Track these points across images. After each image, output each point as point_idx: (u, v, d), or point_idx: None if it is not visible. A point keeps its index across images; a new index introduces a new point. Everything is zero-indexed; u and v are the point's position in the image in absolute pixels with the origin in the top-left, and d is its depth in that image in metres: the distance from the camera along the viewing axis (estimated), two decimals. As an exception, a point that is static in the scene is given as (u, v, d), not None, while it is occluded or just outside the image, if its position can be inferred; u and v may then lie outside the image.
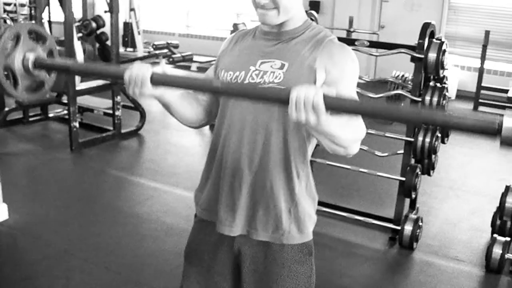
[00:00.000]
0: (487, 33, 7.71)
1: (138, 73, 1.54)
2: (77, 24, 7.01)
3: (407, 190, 3.79)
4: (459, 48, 8.85)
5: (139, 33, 9.61)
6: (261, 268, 1.74)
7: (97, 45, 8.96)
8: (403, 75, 6.37)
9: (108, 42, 8.26)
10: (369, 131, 3.83)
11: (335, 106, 1.34)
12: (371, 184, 4.81)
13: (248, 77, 1.66)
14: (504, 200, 3.47)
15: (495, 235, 3.64)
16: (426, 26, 3.66)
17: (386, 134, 3.96)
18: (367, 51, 4.03)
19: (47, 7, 6.13)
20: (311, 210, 1.78)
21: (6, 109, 6.00)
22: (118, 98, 5.84)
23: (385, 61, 8.54)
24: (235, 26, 6.80)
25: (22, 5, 7.62)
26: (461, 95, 8.47)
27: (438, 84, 3.74)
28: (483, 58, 7.76)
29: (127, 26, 10.47)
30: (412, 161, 3.90)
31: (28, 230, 3.89)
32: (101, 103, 6.35)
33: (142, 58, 8.86)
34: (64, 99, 6.05)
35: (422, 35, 3.63)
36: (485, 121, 1.23)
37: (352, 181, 4.88)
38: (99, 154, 5.53)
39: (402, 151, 3.87)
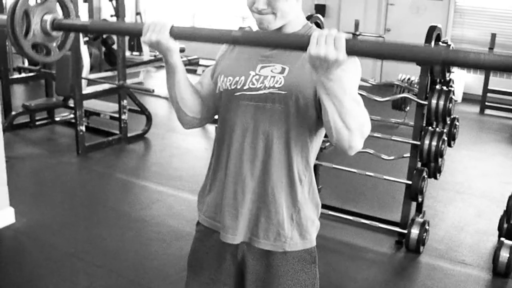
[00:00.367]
0: (493, 35, 7.69)
1: (159, 21, 1.55)
2: (83, 28, 7.02)
3: (413, 193, 3.78)
4: (465, 51, 8.82)
5: (145, 37, 9.61)
6: (264, 277, 1.73)
7: (103, 49, 9.01)
8: (409, 78, 6.35)
9: (114, 46, 8.31)
10: (376, 134, 3.84)
11: (356, 47, 1.32)
12: (377, 188, 4.80)
13: (248, 82, 1.63)
14: (511, 204, 3.46)
15: (502, 239, 3.63)
16: (432, 29, 3.65)
17: (393, 138, 3.95)
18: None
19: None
20: (314, 216, 1.75)
21: (13, 113, 6.03)
22: (125, 102, 5.85)
23: (391, 65, 8.53)
24: (241, 29, 6.81)
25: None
26: (468, 98, 8.44)
27: (445, 87, 3.73)
28: (489, 61, 7.73)
29: (128, 36, 10.49)
30: (419, 164, 3.89)
31: (34, 233, 3.90)
32: (108, 107, 6.37)
33: (148, 62, 8.88)
34: (71, 103, 6.07)
35: (428, 38, 3.63)
36: (508, 58, 1.20)
37: (359, 185, 4.87)
38: (105, 157, 5.54)
39: (408, 155, 3.86)
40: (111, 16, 6.10)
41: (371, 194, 4.78)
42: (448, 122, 3.82)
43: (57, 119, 6.53)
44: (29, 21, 1.67)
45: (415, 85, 5.72)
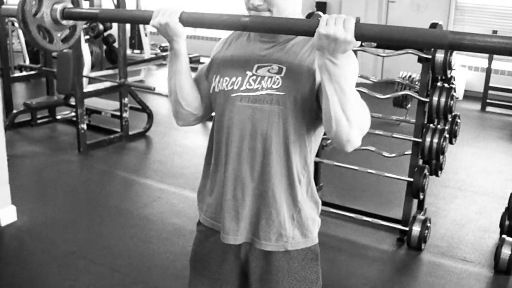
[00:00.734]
0: (494, 33, 7.68)
1: (169, 7, 1.57)
2: (84, 26, 7.03)
3: (415, 191, 3.78)
4: (467, 48, 8.81)
5: (146, 35, 9.62)
6: (267, 276, 1.72)
7: (104, 47, 9.01)
8: (410, 76, 6.34)
9: (115, 44, 8.30)
10: (377, 132, 3.84)
11: (365, 30, 1.33)
12: (378, 185, 4.80)
13: (245, 83, 1.62)
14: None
15: (503, 236, 3.63)
16: (433, 26, 3.65)
17: (394, 135, 3.95)
18: (374, 52, 4.02)
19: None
20: (315, 214, 1.75)
21: (14, 111, 6.03)
22: (126, 100, 5.85)
23: (392, 62, 8.52)
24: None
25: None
26: (469, 96, 8.43)
27: (446, 85, 3.73)
28: (490, 58, 7.74)
29: (134, 28, 10.48)
30: (420, 161, 3.89)
31: (36, 231, 3.91)
32: (109, 105, 6.37)
33: (149, 60, 8.88)
34: (72, 101, 6.06)
35: (429, 36, 3.62)
36: None
37: (360, 182, 4.87)
38: (107, 156, 5.55)
39: (410, 152, 3.86)
40: (112, 14, 6.09)
41: (373, 192, 4.78)
42: (450, 119, 3.82)
43: (58, 117, 6.53)
44: (41, 4, 1.69)
45: (416, 83, 5.72)
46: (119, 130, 5.97)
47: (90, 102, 6.04)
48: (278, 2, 1.56)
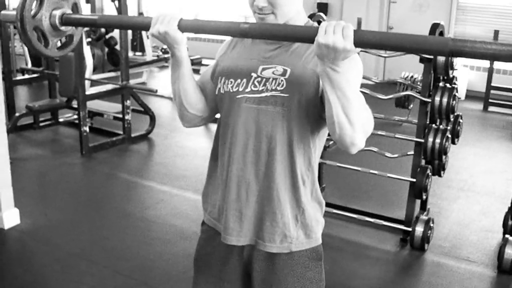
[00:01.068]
0: (496, 32, 7.68)
1: (168, 13, 1.55)
2: (86, 29, 7.04)
3: (417, 191, 3.77)
4: (468, 48, 8.81)
5: (147, 37, 9.64)
6: (271, 276, 1.72)
7: (106, 49, 9.03)
8: (412, 76, 6.34)
9: (117, 47, 8.32)
10: (379, 132, 3.83)
11: (364, 37, 1.32)
12: (381, 186, 4.80)
13: (250, 85, 1.63)
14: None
15: (507, 236, 3.62)
16: (435, 26, 3.65)
17: (396, 136, 3.95)
18: (376, 53, 4.03)
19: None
20: (318, 215, 1.75)
21: (17, 114, 6.04)
22: (128, 103, 5.86)
23: (394, 62, 8.52)
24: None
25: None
26: (471, 95, 8.43)
27: (448, 85, 3.73)
28: (492, 58, 7.72)
29: (136, 30, 10.51)
30: (423, 162, 3.89)
31: (39, 234, 3.91)
32: (111, 108, 6.37)
33: (151, 62, 8.89)
34: (74, 104, 6.08)
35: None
36: None
37: (363, 183, 4.87)
38: (109, 158, 5.55)
39: (412, 152, 3.86)
40: (114, 16, 6.10)
41: (375, 192, 4.78)
42: (452, 119, 3.82)
43: (60, 120, 6.54)
44: (41, 7, 1.68)
45: (418, 83, 5.72)
46: (121, 132, 5.98)
47: (92, 105, 6.05)
48: (281, 4, 1.56)
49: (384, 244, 3.91)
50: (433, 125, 3.75)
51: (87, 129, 5.47)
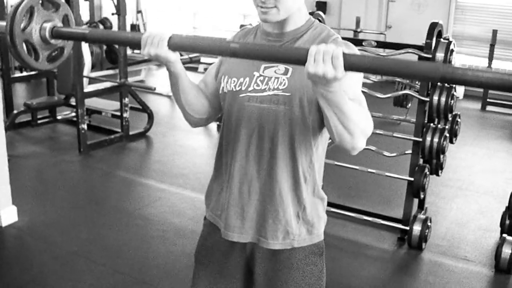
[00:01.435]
0: (494, 32, 7.68)
1: (157, 33, 1.53)
2: (84, 26, 7.04)
3: (415, 190, 3.78)
4: (467, 47, 8.83)
5: (146, 35, 9.62)
6: (273, 271, 1.74)
7: (105, 47, 9.01)
8: (410, 75, 6.33)
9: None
10: (377, 131, 3.84)
11: (354, 63, 1.31)
12: (379, 185, 4.80)
13: (253, 84, 1.64)
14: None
15: (504, 235, 3.63)
16: (433, 25, 3.65)
17: (394, 134, 3.95)
18: (375, 52, 4.02)
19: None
20: (321, 211, 1.77)
21: (15, 111, 6.03)
22: (126, 100, 5.86)
23: (392, 61, 8.51)
24: (242, 27, 6.81)
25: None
26: (469, 95, 8.43)
27: (446, 84, 3.73)
28: (490, 57, 7.73)
29: (134, 28, 10.50)
30: (421, 161, 3.89)
31: (37, 231, 3.91)
32: (109, 105, 6.37)
33: (149, 60, 8.88)
34: (72, 101, 6.07)
35: (429, 35, 3.63)
36: (507, 75, 1.20)
37: (361, 182, 4.88)
38: (107, 156, 5.55)
39: (410, 151, 3.86)
40: (112, 14, 6.08)
41: (373, 191, 4.78)
42: (450, 118, 3.82)
43: (58, 117, 6.53)
44: (31, 20, 1.67)
45: (417, 82, 5.72)
46: (119, 130, 5.98)
47: (90, 102, 6.04)
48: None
49: (381, 242, 3.92)
50: (431, 124, 3.75)
51: (85, 126, 5.47)
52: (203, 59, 9.42)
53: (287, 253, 1.72)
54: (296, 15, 1.64)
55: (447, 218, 4.33)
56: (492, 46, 7.66)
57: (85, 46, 6.91)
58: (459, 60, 7.99)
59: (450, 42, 3.59)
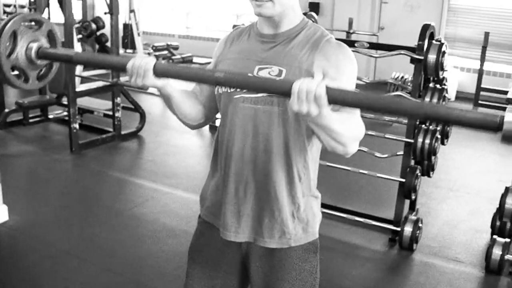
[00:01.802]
0: (486, 34, 7.71)
1: (141, 63, 1.55)
2: (77, 25, 7.02)
3: (407, 191, 3.79)
4: (459, 49, 8.86)
5: (139, 34, 9.61)
6: (269, 268, 1.76)
7: (97, 46, 8.97)
8: (402, 77, 6.37)
9: (108, 44, 8.27)
10: (369, 132, 3.84)
11: (338, 98, 1.32)
12: (371, 185, 4.81)
13: None
14: (503, 201, 3.47)
15: (495, 236, 3.65)
16: (425, 27, 3.67)
17: (386, 136, 3.96)
18: (367, 53, 4.03)
19: (47, 9, 6.13)
20: (316, 209, 1.79)
21: (6, 110, 6.01)
22: (118, 100, 5.84)
23: (385, 63, 8.55)
24: (235, 27, 6.81)
25: (22, 7, 7.63)
26: (461, 97, 8.48)
27: (438, 86, 3.74)
28: (482, 59, 7.76)
29: (127, 27, 10.48)
30: (412, 162, 3.90)
31: (28, 231, 3.89)
32: (101, 105, 6.36)
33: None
34: (64, 101, 6.05)
35: (421, 37, 3.64)
36: (487, 116, 1.24)
37: (352, 182, 4.89)
38: (99, 155, 5.54)
39: (402, 153, 3.87)
40: (105, 13, 6.06)
41: (365, 192, 4.79)
42: (442, 120, 3.82)
43: (50, 116, 6.51)
44: (16, 44, 1.67)
45: (409, 83, 5.74)
46: (111, 129, 5.96)
47: (82, 102, 6.03)
48: None
49: (373, 243, 3.93)
50: (423, 125, 3.76)
51: (77, 126, 5.45)
52: (195, 59, 9.41)
53: (284, 251, 1.74)
54: (290, 15, 1.65)
55: (438, 219, 4.34)
56: (484, 48, 7.69)
57: (77, 45, 6.89)
58: (451, 62, 8.01)
59: (442, 44, 3.60)
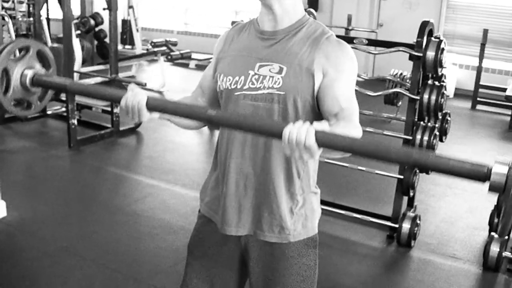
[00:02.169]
0: (485, 31, 7.72)
1: (133, 103, 1.55)
2: (75, 21, 7.02)
3: (405, 188, 3.79)
4: (458, 46, 8.87)
5: (137, 30, 9.60)
6: (267, 262, 1.77)
7: (96, 42, 8.98)
8: (401, 73, 6.36)
9: (107, 40, 8.27)
10: (368, 129, 3.85)
11: (328, 143, 1.34)
12: (369, 182, 4.82)
13: (248, 82, 1.66)
14: (501, 199, 3.47)
15: (492, 233, 3.65)
16: (424, 24, 3.66)
17: (385, 132, 3.96)
18: (366, 49, 4.03)
19: (45, 4, 6.13)
20: (315, 205, 1.80)
21: (4, 106, 5.99)
22: (117, 96, 5.83)
23: (384, 59, 8.54)
24: (234, 23, 6.80)
25: (21, 2, 7.61)
26: (459, 94, 8.48)
27: (436, 83, 3.74)
28: (481, 56, 7.77)
29: (126, 23, 10.46)
30: (410, 159, 3.89)
31: (26, 227, 3.89)
32: (100, 101, 6.34)
33: (140, 56, 8.86)
34: (63, 97, 6.04)
35: (420, 34, 3.64)
36: (474, 166, 1.26)
37: (351, 179, 4.89)
38: (97, 151, 5.53)
39: (400, 149, 3.86)
40: (104, 9, 6.06)
41: (363, 189, 4.80)
42: (440, 117, 3.83)
43: (48, 112, 6.50)
44: (9, 78, 1.66)
45: (407, 80, 5.74)
46: (110, 125, 5.96)
47: (80, 98, 6.01)
48: None
49: (371, 240, 3.93)
50: (421, 122, 3.77)
51: (75, 122, 5.44)
52: (194, 55, 9.40)
53: (283, 246, 1.75)
54: (291, 12, 1.66)
55: (436, 216, 4.35)
56: (482, 45, 7.70)
57: (76, 41, 6.88)
58: (450, 59, 8.02)
59: (440, 41, 3.60)
